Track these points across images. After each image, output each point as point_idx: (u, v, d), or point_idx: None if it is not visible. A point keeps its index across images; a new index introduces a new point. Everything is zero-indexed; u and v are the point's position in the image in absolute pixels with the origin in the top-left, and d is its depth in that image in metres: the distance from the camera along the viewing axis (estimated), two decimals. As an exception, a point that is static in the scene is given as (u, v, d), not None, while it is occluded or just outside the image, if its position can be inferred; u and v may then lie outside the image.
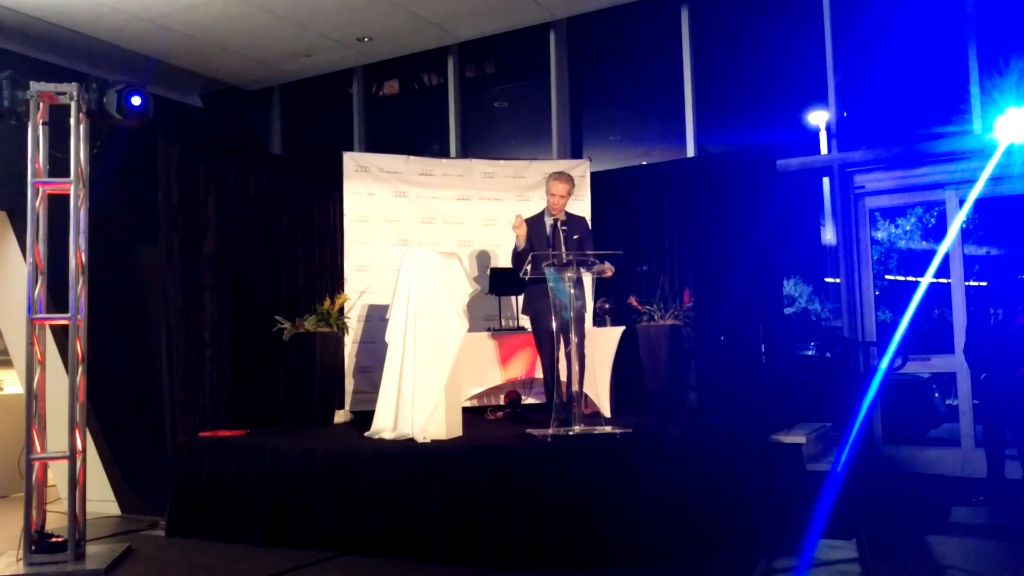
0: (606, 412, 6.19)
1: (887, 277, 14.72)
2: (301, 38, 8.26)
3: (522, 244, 5.78)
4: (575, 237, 5.73)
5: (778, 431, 6.37)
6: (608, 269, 5.41)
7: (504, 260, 6.98)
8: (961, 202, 7.02)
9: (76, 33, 7.70)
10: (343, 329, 6.67)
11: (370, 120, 9.51)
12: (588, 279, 5.73)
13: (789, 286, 17.03)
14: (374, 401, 5.61)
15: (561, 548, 4.36)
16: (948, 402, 9.13)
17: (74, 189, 4.91)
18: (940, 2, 7.17)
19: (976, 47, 6.94)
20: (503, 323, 6.94)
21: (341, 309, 6.64)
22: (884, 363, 6.81)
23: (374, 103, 9.64)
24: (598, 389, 6.22)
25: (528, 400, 6.89)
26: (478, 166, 7.59)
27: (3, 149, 6.16)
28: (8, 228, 6.72)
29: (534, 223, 5.93)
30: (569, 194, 5.88)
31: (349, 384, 6.96)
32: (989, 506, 5.83)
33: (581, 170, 7.46)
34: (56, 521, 5.17)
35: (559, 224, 5.75)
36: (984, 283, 7.12)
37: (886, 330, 7.97)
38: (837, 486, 5.62)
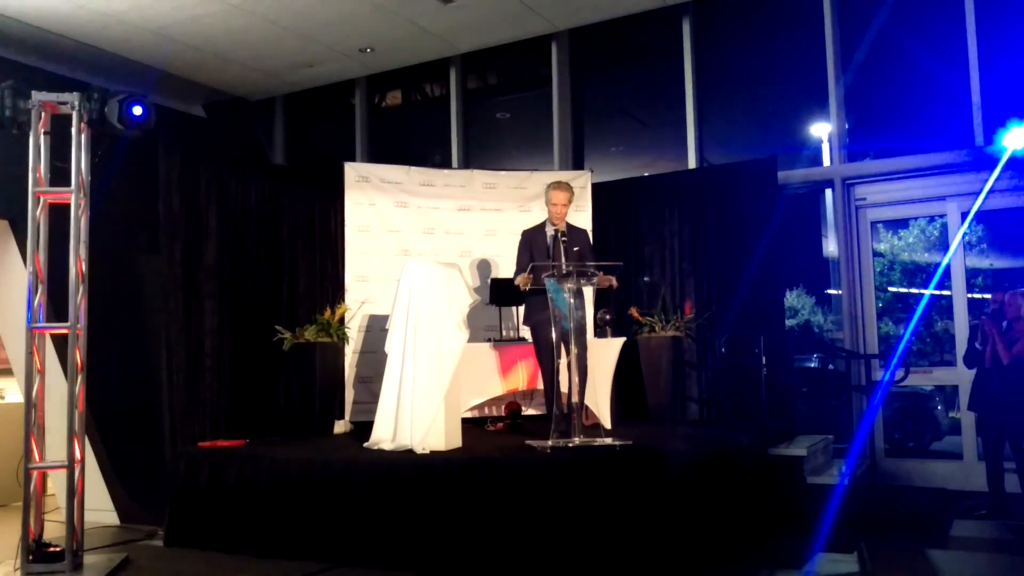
0: (606, 424, 6.16)
1: (890, 289, 14.70)
2: (304, 49, 8.28)
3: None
4: (575, 249, 5.73)
5: (779, 443, 6.34)
6: (611, 281, 5.39)
7: (504, 270, 6.98)
8: (963, 214, 7.02)
9: (79, 43, 7.73)
10: (343, 339, 6.66)
11: (372, 130, 9.53)
12: (589, 291, 5.71)
13: (791, 298, 17.03)
14: (374, 411, 5.60)
15: (559, 561, 4.33)
16: (951, 415, 9.10)
17: (75, 198, 4.92)
18: (942, 15, 7.19)
19: (978, 60, 6.94)
20: (503, 333, 6.93)
21: (341, 319, 6.63)
22: (886, 375, 6.80)
23: (376, 114, 9.66)
24: (598, 401, 6.20)
25: (528, 411, 6.87)
26: (479, 177, 7.60)
27: (5, 158, 6.17)
28: (9, 236, 6.73)
29: (535, 233, 5.93)
30: (569, 202, 5.88)
31: (349, 394, 6.95)
32: (991, 520, 5.80)
33: (582, 181, 7.46)
34: (54, 530, 5.16)
35: (559, 235, 5.75)
36: (987, 295, 7.10)
37: (888, 342, 7.96)
38: (838, 499, 5.60)
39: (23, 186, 4.92)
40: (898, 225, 14.39)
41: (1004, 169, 6.53)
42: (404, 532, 4.73)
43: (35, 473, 4.82)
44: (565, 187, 5.89)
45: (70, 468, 4.79)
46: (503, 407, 6.71)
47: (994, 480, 6.02)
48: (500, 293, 6.80)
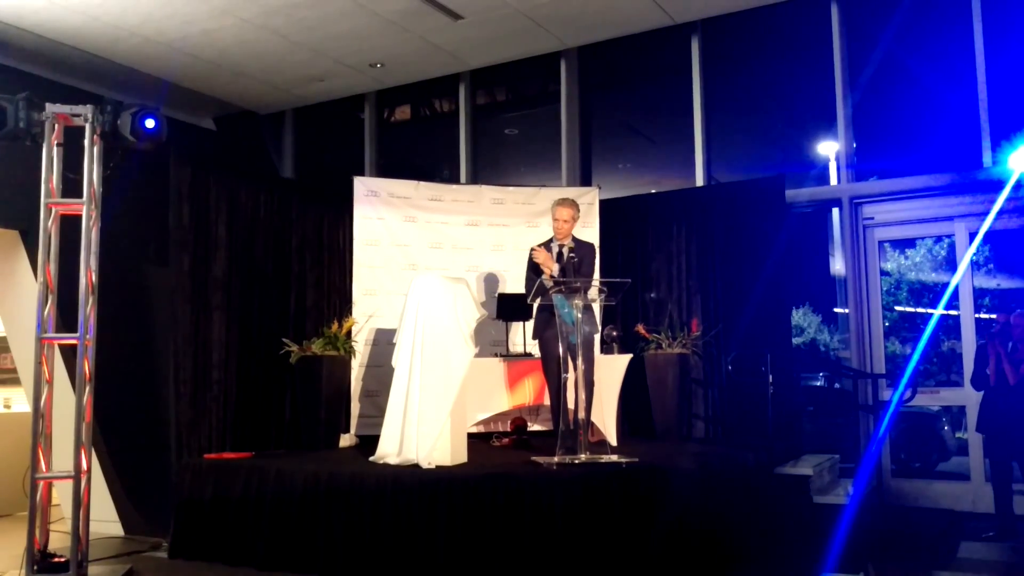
0: (612, 441, 6.15)
1: (896, 308, 14.66)
2: (314, 63, 8.34)
3: (548, 272, 5.67)
4: (574, 259, 5.71)
5: (785, 462, 6.32)
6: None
7: (512, 285, 6.99)
8: (971, 234, 7.01)
9: (92, 56, 7.79)
10: (350, 353, 6.66)
11: (381, 145, 9.57)
12: (597, 306, 5.71)
13: (798, 316, 16.96)
14: (380, 425, 5.59)
15: (565, 577, 4.32)
16: (957, 435, 9.06)
17: (86, 210, 4.95)
18: (950, 35, 7.20)
19: (986, 80, 6.95)
20: (511, 348, 6.93)
21: (349, 332, 6.64)
22: (896, 396, 6.77)
23: (385, 128, 9.71)
24: (605, 417, 6.20)
25: (534, 427, 6.86)
26: (487, 192, 7.63)
27: (17, 169, 6.23)
28: (20, 247, 6.77)
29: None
30: (574, 219, 5.87)
31: (355, 408, 6.95)
32: (998, 542, 5.76)
33: (590, 197, 7.48)
34: (59, 541, 5.16)
35: (565, 250, 5.75)
36: (994, 315, 7.08)
37: (895, 361, 7.93)
38: (845, 519, 5.57)
39: (34, 197, 4.95)
40: (905, 245, 14.37)
41: (1013, 190, 6.52)
42: (409, 547, 4.71)
43: (41, 483, 4.83)
44: (569, 203, 5.89)
45: (76, 479, 4.80)
46: (509, 422, 6.70)
47: (1002, 502, 5.98)
48: (507, 308, 6.81)
